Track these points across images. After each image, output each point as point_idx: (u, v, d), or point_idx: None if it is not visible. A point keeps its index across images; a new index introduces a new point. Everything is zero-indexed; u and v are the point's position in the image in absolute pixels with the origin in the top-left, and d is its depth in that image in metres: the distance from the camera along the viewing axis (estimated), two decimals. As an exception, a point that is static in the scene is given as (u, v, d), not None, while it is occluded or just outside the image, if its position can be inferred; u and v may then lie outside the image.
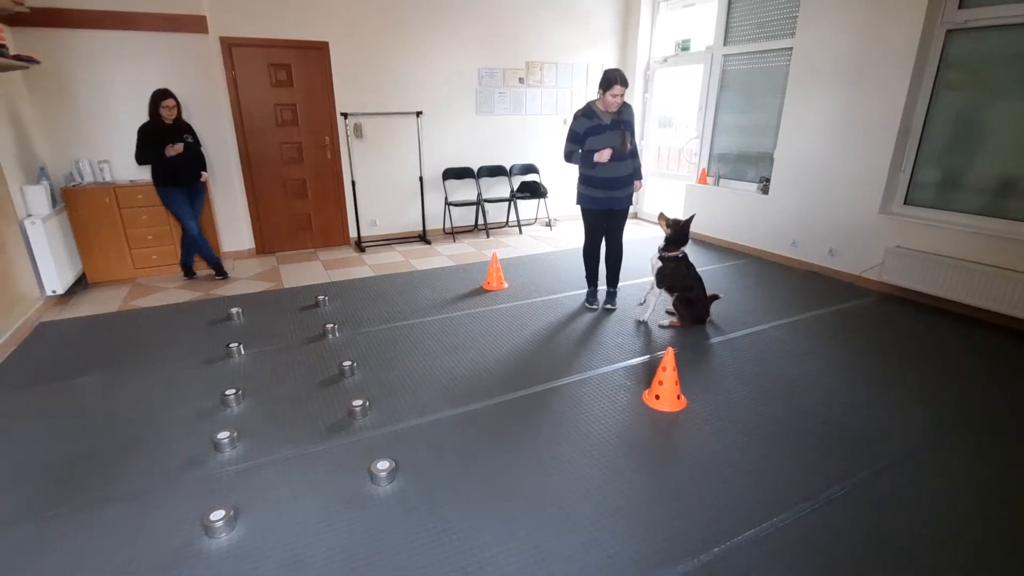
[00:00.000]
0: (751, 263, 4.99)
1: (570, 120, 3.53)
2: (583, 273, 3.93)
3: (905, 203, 4.13)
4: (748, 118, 5.35)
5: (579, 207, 3.65)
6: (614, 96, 3.25)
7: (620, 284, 3.92)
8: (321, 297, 4.04)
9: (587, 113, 3.39)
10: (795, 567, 1.69)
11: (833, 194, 4.47)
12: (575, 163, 3.55)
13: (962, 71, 3.75)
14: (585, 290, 4.00)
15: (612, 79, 3.23)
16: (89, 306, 4.04)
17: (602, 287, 3.95)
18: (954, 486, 2.05)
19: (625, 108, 3.42)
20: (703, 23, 5.73)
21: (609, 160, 3.36)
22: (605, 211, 3.57)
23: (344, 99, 5.35)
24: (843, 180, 4.38)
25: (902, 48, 3.87)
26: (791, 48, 4.68)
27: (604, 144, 3.37)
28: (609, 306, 3.84)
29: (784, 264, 4.93)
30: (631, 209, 3.82)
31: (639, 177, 3.61)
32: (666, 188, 6.68)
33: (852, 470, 2.14)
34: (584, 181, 3.55)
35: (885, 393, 2.73)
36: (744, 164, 5.47)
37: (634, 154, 3.52)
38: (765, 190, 5.09)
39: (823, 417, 2.51)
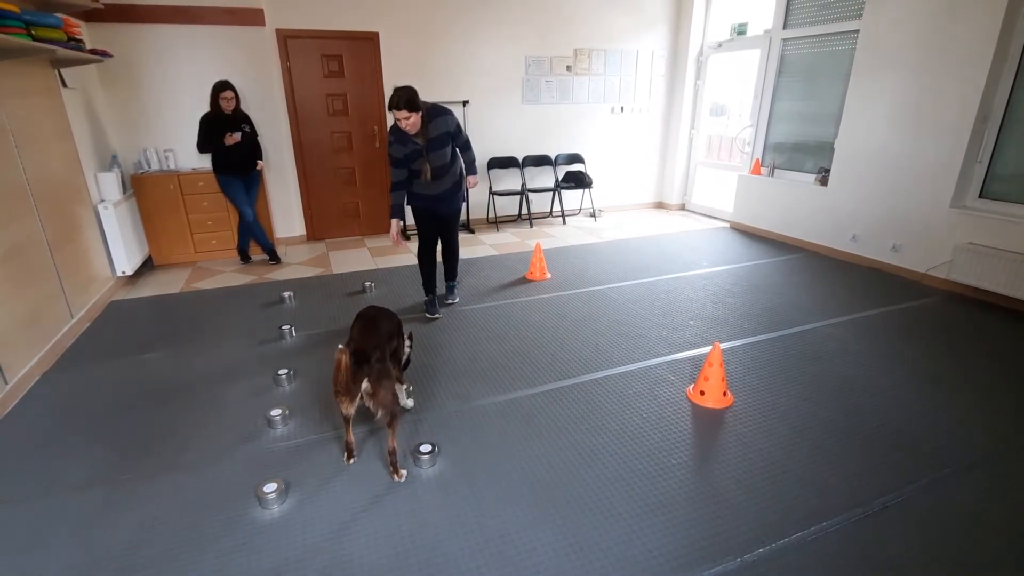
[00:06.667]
0: (806, 258, 4.78)
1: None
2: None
3: (980, 196, 3.85)
4: (807, 105, 5.10)
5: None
6: (398, 121, 2.96)
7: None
8: (368, 283, 4.15)
9: (399, 139, 3.09)
10: (843, 575, 1.62)
11: (899, 186, 4.21)
12: (405, 189, 3.28)
13: (1052, 53, 3.45)
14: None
15: (390, 103, 2.92)
16: (154, 287, 4.30)
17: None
18: (1025, 500, 1.92)
19: (431, 123, 3.08)
20: (761, 6, 5.48)
21: (422, 179, 3.22)
22: (431, 212, 3.41)
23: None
24: (911, 171, 4.12)
25: (983, 29, 3.58)
26: (857, 31, 4.41)
27: (422, 167, 3.18)
28: (449, 300, 3.76)
29: (842, 260, 4.70)
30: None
31: (473, 172, 3.44)
32: (717, 179, 6.46)
33: (910, 477, 2.03)
34: (408, 194, 3.39)
35: (949, 397, 2.57)
36: (801, 154, 5.23)
37: (466, 148, 3.35)
38: (824, 181, 4.85)
39: (880, 420, 2.39)
